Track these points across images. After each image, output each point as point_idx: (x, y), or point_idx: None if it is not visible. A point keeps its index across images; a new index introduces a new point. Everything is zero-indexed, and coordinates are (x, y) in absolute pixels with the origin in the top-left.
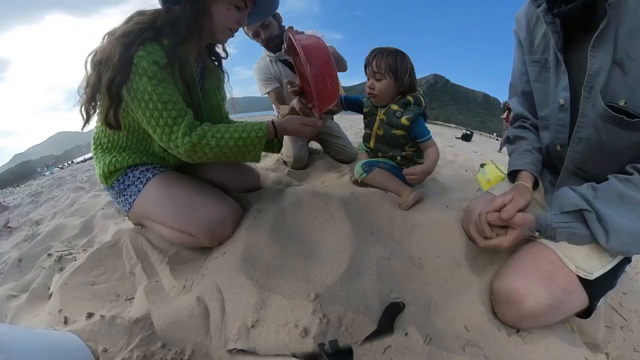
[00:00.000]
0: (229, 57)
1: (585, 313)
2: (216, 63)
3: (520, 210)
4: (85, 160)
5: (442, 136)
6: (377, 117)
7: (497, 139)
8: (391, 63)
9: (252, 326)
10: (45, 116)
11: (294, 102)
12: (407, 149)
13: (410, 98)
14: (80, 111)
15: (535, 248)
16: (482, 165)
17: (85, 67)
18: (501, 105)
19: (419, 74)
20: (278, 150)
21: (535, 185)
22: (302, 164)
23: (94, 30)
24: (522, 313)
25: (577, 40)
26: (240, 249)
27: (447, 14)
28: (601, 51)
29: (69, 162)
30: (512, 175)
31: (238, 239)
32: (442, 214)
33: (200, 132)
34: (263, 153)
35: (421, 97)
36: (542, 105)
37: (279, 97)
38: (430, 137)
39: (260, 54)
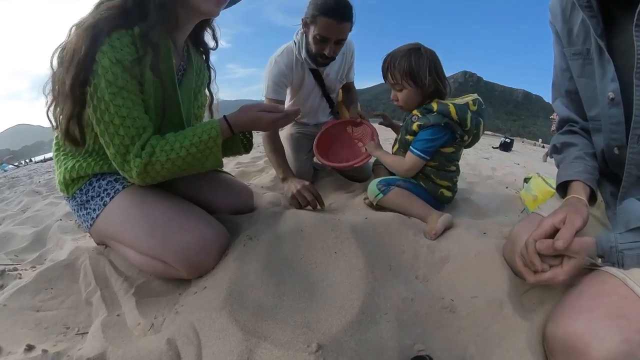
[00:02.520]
0: (218, 50)
1: None
2: (203, 57)
3: (576, 232)
4: (45, 160)
5: (476, 146)
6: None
7: (542, 146)
8: (406, 69)
9: None
10: (5, 104)
11: None
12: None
13: (434, 105)
14: (47, 115)
15: (598, 279)
16: (526, 180)
17: (51, 64)
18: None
19: (446, 72)
20: (247, 150)
21: (593, 199)
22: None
23: (71, 14)
24: None
25: (619, 22)
26: (225, 284)
27: None
28: None
29: (27, 160)
30: (562, 189)
31: (223, 271)
32: (479, 243)
33: (149, 149)
34: (256, 169)
35: (452, 108)
36: (590, 103)
37: None
38: (416, 154)
39: (273, 49)
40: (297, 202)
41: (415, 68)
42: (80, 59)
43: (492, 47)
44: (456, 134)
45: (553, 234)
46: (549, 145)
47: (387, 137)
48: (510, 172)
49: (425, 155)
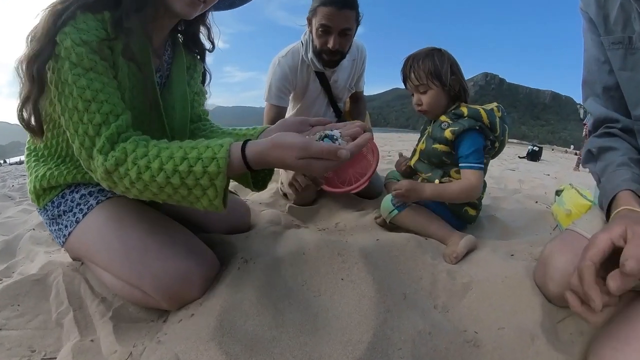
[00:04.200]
0: (214, 53)
1: None
2: (198, 57)
3: None
4: (21, 163)
5: (500, 156)
6: (427, 131)
7: (575, 153)
8: (430, 67)
9: None
10: None
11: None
12: (453, 173)
13: (464, 109)
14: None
15: None
16: (558, 193)
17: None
18: (578, 106)
19: (464, 75)
20: (261, 187)
21: None
22: (308, 198)
23: None
24: None
25: None
26: (215, 312)
27: None
28: None
29: (1, 162)
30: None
31: (214, 298)
32: (506, 267)
33: (119, 154)
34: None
35: (482, 112)
36: (635, 100)
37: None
38: (477, 168)
39: (277, 50)
40: (295, 188)
41: (439, 66)
42: (40, 37)
43: (514, 45)
44: (487, 140)
45: (611, 254)
46: (579, 152)
47: (389, 148)
48: (539, 185)
49: (483, 166)
